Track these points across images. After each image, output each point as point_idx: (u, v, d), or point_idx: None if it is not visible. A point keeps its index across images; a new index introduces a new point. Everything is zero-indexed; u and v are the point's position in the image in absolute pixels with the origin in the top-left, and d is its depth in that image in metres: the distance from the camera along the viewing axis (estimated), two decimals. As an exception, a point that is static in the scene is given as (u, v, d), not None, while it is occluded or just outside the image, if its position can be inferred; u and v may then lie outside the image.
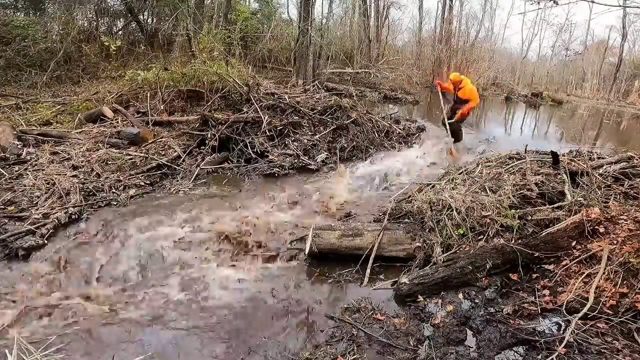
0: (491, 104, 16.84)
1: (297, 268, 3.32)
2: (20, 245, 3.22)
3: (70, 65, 9.40)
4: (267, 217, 4.11)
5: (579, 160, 4.65)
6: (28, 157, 4.89)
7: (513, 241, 3.22)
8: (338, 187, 4.98)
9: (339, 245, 3.42)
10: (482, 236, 3.36)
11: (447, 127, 6.68)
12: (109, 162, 4.96)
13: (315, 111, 6.77)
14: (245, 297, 2.90)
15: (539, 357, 2.27)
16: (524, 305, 2.69)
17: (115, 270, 3.14)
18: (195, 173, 5.11)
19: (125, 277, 3.08)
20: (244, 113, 6.26)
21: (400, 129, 7.40)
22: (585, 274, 2.76)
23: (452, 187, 4.12)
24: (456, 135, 6.89)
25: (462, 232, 3.41)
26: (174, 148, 5.69)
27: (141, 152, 5.40)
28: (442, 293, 2.92)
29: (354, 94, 9.18)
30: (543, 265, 3.01)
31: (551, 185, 3.98)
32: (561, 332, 2.45)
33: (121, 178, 4.62)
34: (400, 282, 3.01)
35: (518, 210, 3.54)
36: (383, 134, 7.04)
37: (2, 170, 4.46)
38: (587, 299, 2.52)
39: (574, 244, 3.06)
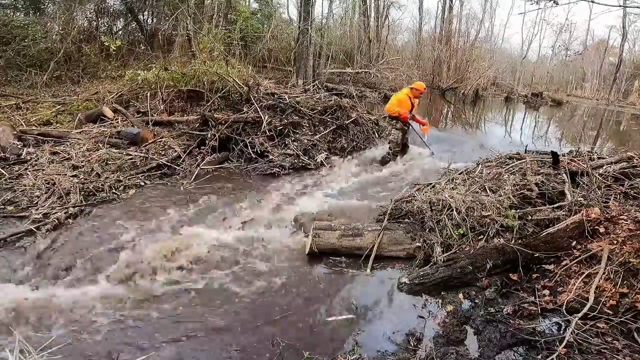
0: (491, 104, 16.85)
1: (296, 267, 3.31)
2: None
3: (70, 65, 9.39)
4: (268, 216, 4.12)
5: (579, 160, 4.65)
6: (28, 157, 4.89)
7: (513, 241, 3.22)
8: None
9: (339, 245, 3.42)
10: (482, 236, 3.36)
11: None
12: (109, 162, 4.96)
13: (315, 111, 6.77)
14: (243, 296, 2.89)
15: (539, 357, 2.27)
16: (524, 305, 2.69)
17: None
18: (195, 173, 5.11)
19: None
20: (244, 113, 6.26)
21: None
22: (585, 274, 2.76)
23: (452, 187, 4.12)
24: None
25: (462, 232, 3.41)
26: (174, 148, 5.69)
27: (141, 152, 5.40)
28: (442, 293, 2.92)
29: (354, 94, 9.18)
30: (543, 265, 3.01)
31: (551, 185, 3.98)
32: (561, 332, 2.45)
33: (121, 178, 4.62)
34: (400, 282, 3.01)
35: (518, 210, 3.54)
36: (384, 133, 7.08)
37: (2, 170, 4.46)
38: (587, 299, 2.52)
39: (574, 244, 3.06)
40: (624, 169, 4.38)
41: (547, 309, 2.64)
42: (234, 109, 6.67)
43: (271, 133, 6.01)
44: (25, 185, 4.18)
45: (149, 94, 6.96)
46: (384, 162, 6.04)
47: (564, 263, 2.94)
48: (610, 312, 2.46)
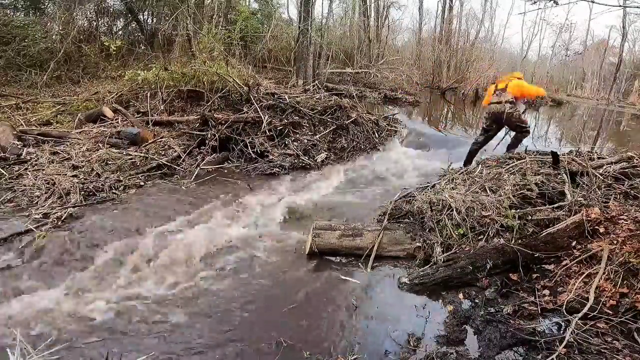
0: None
1: (296, 267, 3.31)
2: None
3: (70, 65, 9.40)
4: (268, 216, 4.13)
5: (579, 160, 4.64)
6: (28, 157, 4.89)
7: (513, 241, 3.22)
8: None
9: (339, 245, 3.42)
10: (482, 236, 3.36)
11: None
12: (109, 162, 4.96)
13: (315, 111, 6.78)
14: (242, 296, 2.90)
15: (539, 357, 2.27)
16: (524, 305, 2.69)
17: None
18: (195, 173, 5.11)
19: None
20: (244, 113, 6.26)
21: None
22: (585, 274, 2.76)
23: (452, 187, 4.12)
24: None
25: (462, 232, 3.41)
26: (174, 148, 5.69)
27: (141, 152, 5.40)
28: (442, 293, 2.92)
29: (354, 94, 9.18)
30: (543, 265, 3.00)
31: (551, 185, 3.97)
32: (561, 332, 2.45)
33: (121, 178, 4.62)
34: (400, 282, 3.02)
35: (518, 210, 3.53)
36: (384, 133, 7.10)
37: (2, 170, 4.47)
38: (587, 299, 2.52)
39: (574, 244, 3.06)
40: (624, 169, 4.37)
41: (547, 309, 2.64)
42: (234, 109, 6.67)
43: (271, 133, 6.01)
44: (25, 185, 4.18)
45: (149, 94, 6.96)
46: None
47: (564, 263, 2.94)
48: (610, 312, 2.46)
